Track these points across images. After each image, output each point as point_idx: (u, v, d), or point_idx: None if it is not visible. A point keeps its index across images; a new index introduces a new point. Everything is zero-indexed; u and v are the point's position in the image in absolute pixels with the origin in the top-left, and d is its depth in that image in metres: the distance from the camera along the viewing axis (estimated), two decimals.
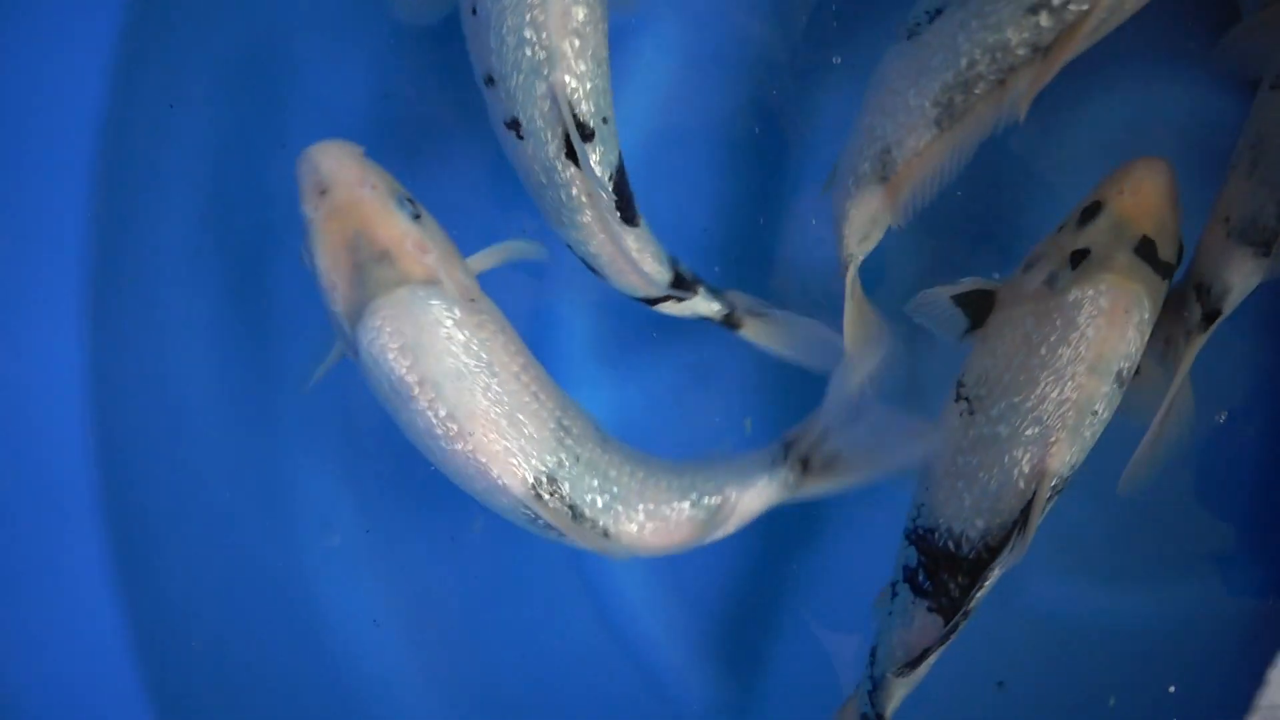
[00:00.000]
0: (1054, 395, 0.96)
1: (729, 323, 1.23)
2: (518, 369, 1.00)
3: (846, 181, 1.12)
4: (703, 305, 1.21)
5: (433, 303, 0.96)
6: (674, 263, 1.18)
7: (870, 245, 1.12)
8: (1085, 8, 0.95)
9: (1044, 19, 0.97)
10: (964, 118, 1.03)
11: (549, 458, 0.99)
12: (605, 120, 1.06)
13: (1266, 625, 1.20)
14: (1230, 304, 1.07)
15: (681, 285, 1.18)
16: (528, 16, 0.99)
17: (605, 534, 1.02)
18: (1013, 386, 0.98)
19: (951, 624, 1.00)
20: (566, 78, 1.00)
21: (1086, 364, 0.96)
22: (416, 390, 0.96)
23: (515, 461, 0.98)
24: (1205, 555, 1.25)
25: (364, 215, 0.96)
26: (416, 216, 1.00)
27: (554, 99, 1.00)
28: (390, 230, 0.97)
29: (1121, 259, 0.98)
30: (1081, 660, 1.25)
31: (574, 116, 1.01)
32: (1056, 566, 1.25)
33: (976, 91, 1.02)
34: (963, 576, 0.99)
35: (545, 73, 1.00)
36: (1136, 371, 1.00)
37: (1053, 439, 0.95)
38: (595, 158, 1.05)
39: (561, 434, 1.01)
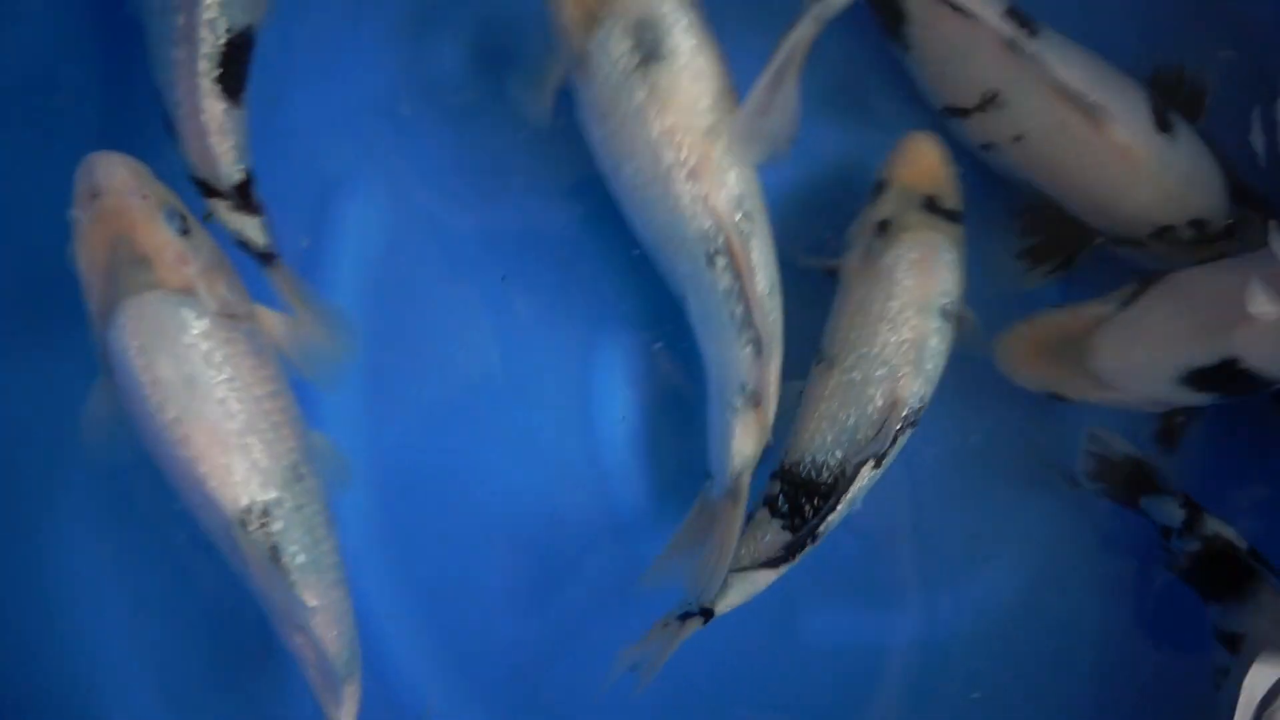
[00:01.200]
0: (894, 340, 1.12)
1: (265, 261, 1.11)
2: (262, 394, 1.01)
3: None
4: (253, 231, 1.09)
5: (181, 310, 0.97)
6: (250, 173, 1.08)
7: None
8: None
9: None
10: None
11: (271, 492, 1.01)
12: None
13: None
14: None
15: (247, 199, 1.08)
16: None
17: (290, 587, 1.02)
18: (860, 340, 1.13)
19: (798, 538, 1.12)
20: None
21: (914, 307, 1.12)
22: (149, 390, 0.97)
23: (233, 481, 0.99)
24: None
25: (129, 221, 0.98)
26: (185, 231, 1.00)
27: None
28: (153, 238, 0.98)
29: (914, 217, 1.14)
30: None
31: None
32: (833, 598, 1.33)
33: None
34: (819, 500, 1.12)
35: None
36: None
37: (900, 374, 1.11)
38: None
39: (292, 477, 1.02)
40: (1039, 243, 1.20)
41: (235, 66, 1.05)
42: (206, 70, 1.03)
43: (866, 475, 1.10)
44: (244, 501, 0.99)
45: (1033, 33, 1.13)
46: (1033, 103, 1.12)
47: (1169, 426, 1.22)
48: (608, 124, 1.05)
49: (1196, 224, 1.14)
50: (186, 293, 0.98)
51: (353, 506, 1.26)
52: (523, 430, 1.32)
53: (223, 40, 1.04)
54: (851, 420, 1.12)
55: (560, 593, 1.31)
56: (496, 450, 1.31)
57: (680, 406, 1.29)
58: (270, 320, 1.07)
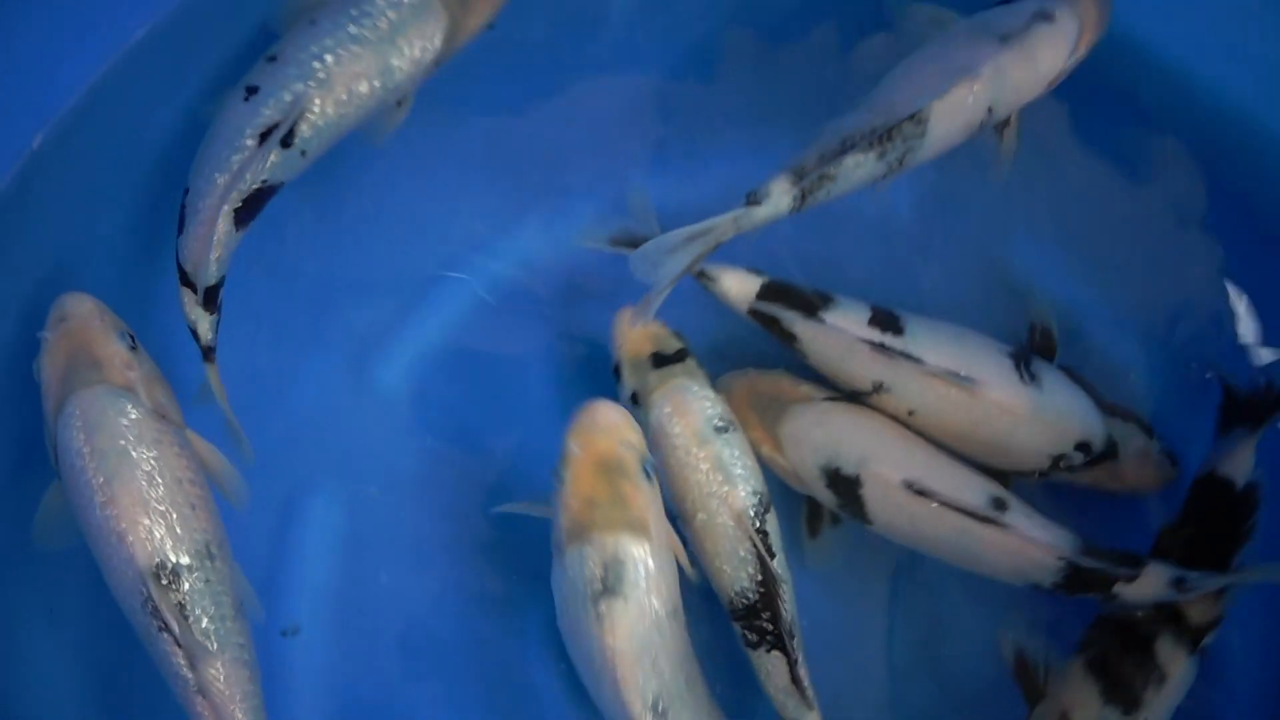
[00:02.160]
0: (701, 478, 1.23)
1: (206, 356, 1.25)
2: (184, 478, 1.14)
3: None
4: (205, 326, 1.24)
5: (121, 399, 1.13)
6: (223, 280, 1.24)
7: None
8: None
9: None
10: None
11: (185, 557, 1.11)
12: None
13: None
14: None
15: (211, 300, 1.23)
16: None
17: (194, 643, 1.11)
18: (684, 494, 1.24)
19: (789, 648, 1.22)
20: None
21: (695, 444, 1.23)
22: (86, 458, 1.11)
23: (152, 538, 1.10)
24: None
25: (87, 336, 1.16)
26: (133, 348, 1.18)
27: None
28: (105, 348, 1.15)
29: (652, 378, 1.27)
30: None
31: None
32: None
33: None
34: (763, 613, 1.22)
35: None
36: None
37: (725, 493, 1.22)
38: None
39: (205, 553, 1.13)
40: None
41: (255, 206, 1.22)
42: (234, 200, 1.20)
43: (778, 568, 1.22)
44: (158, 559, 1.10)
45: (898, 331, 1.29)
46: (913, 386, 1.28)
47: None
48: (565, 619, 1.18)
49: (1082, 446, 1.30)
50: (129, 390, 1.14)
51: None
52: None
53: (256, 186, 1.20)
54: (729, 547, 1.22)
55: None
56: None
57: None
58: (198, 442, 1.21)
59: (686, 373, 1.28)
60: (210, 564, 1.13)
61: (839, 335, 1.29)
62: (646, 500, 1.15)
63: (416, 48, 1.23)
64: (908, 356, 1.27)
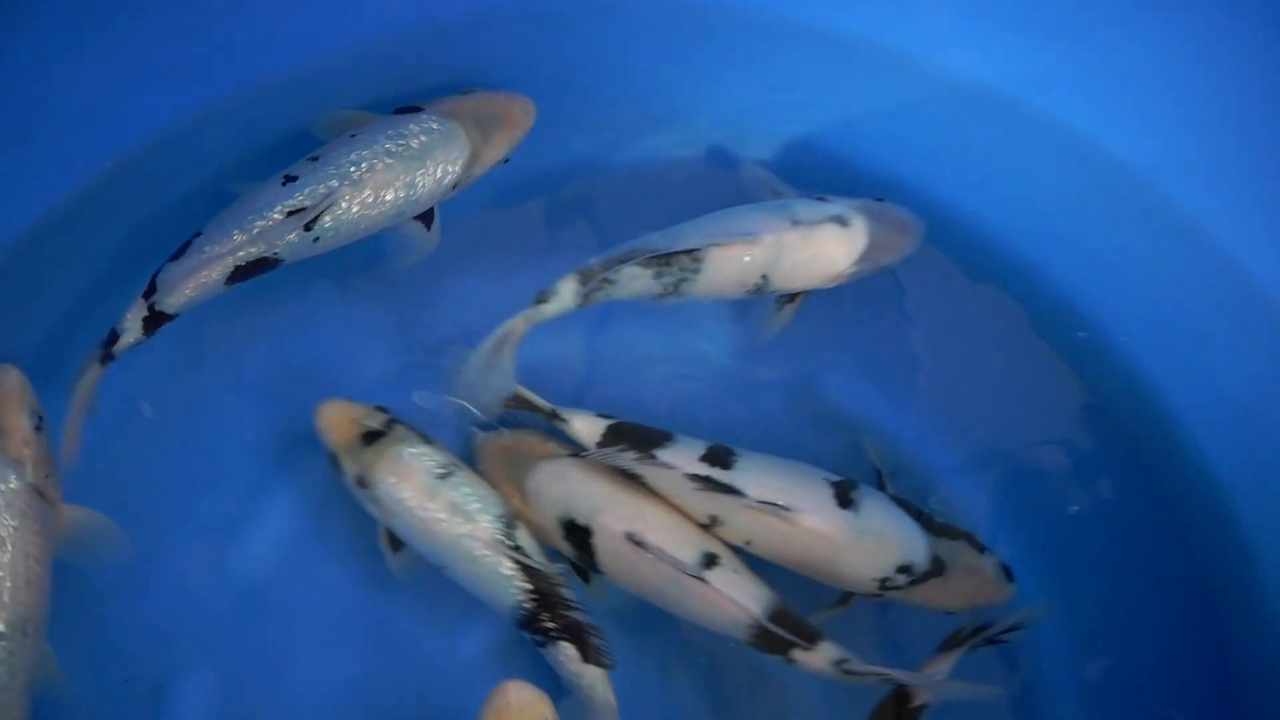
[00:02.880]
0: (445, 522, 1.37)
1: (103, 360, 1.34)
2: (29, 556, 1.22)
3: None
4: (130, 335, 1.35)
5: (6, 469, 1.23)
6: (174, 316, 1.36)
7: None
8: None
9: None
10: None
11: (0, 625, 1.19)
12: None
13: None
14: None
15: (155, 323, 1.35)
16: None
17: None
18: (438, 546, 1.37)
19: (579, 629, 1.34)
20: None
21: (425, 495, 1.36)
22: None
23: None
24: None
25: (2, 406, 1.27)
26: (37, 428, 1.28)
27: None
28: (13, 420, 1.26)
29: (366, 457, 1.39)
30: None
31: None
32: None
33: None
34: (543, 614, 1.35)
35: None
36: None
37: (472, 528, 1.36)
38: None
39: (20, 627, 1.20)
40: None
41: (251, 271, 1.35)
42: (241, 257, 1.33)
43: (542, 568, 1.34)
44: None
45: (726, 466, 1.37)
46: (741, 518, 1.36)
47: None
48: None
49: (905, 569, 1.36)
50: (19, 463, 1.24)
51: None
52: None
53: (265, 255, 1.34)
54: (494, 573, 1.36)
55: None
56: None
57: None
58: (77, 510, 1.30)
59: (398, 440, 1.38)
60: (23, 639, 1.21)
61: (671, 471, 1.38)
62: None
63: (440, 169, 1.40)
64: (729, 489, 1.35)
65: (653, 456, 1.39)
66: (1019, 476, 1.58)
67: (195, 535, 1.51)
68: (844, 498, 1.37)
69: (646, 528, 1.35)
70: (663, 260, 1.37)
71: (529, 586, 1.35)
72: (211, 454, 1.53)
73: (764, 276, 1.41)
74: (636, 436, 1.41)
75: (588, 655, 1.33)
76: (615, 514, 1.36)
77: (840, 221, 1.43)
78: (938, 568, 1.38)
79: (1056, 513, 1.55)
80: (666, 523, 1.37)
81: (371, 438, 1.39)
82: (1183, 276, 1.49)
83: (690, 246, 1.37)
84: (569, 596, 1.35)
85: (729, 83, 1.59)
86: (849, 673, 1.31)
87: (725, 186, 1.57)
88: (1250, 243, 1.42)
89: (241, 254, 1.33)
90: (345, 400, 1.42)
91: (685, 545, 1.35)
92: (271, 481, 1.53)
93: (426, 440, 1.41)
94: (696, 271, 1.38)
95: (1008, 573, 1.42)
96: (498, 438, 1.46)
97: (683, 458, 1.39)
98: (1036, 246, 1.57)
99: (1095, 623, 1.51)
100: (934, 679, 1.32)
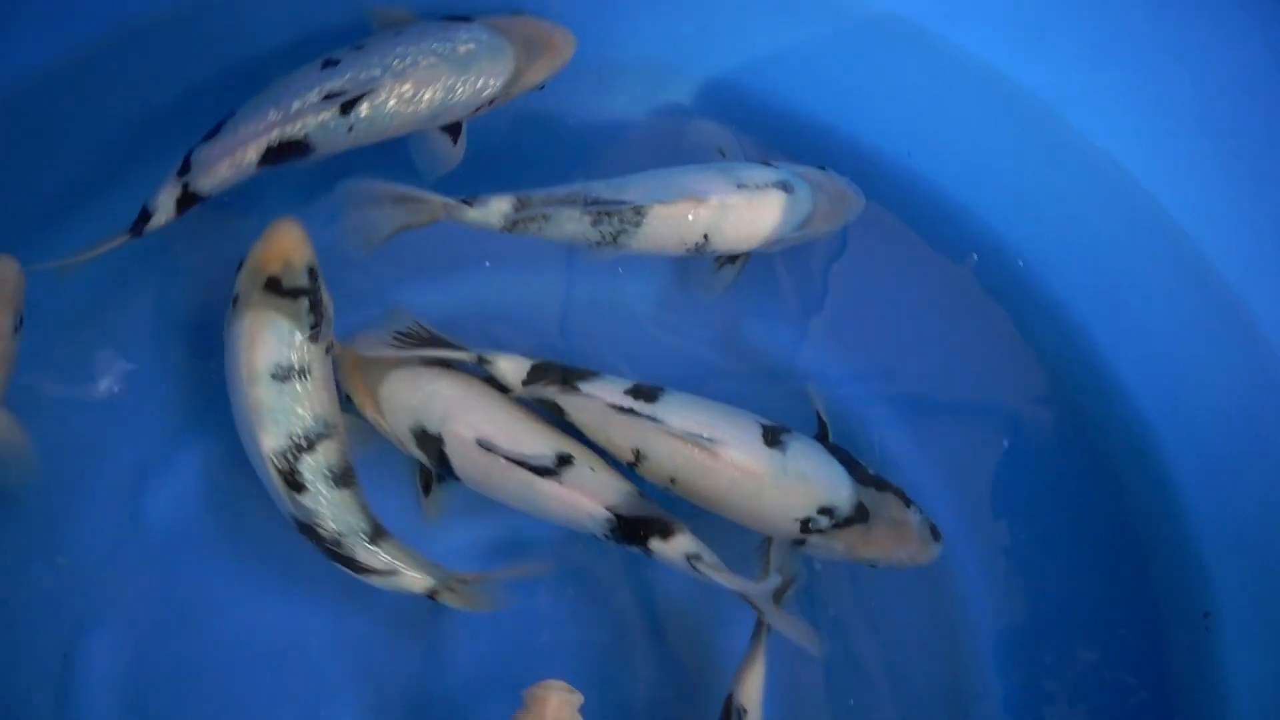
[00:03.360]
0: (245, 413, 1.32)
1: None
2: None
3: None
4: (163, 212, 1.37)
5: None
6: (203, 197, 1.38)
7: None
8: None
9: None
10: None
11: None
12: None
13: None
14: None
15: (188, 203, 1.36)
16: None
17: None
18: (239, 421, 1.34)
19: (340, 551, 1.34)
20: None
21: (249, 377, 1.30)
22: None
23: None
24: None
25: None
26: (16, 329, 1.28)
27: None
28: None
29: (255, 296, 1.32)
30: None
31: None
32: None
33: None
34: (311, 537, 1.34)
35: None
36: None
37: (260, 436, 1.30)
38: None
39: None
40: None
41: (284, 154, 1.35)
42: (274, 137, 1.34)
43: (307, 500, 1.31)
44: None
45: (651, 400, 1.36)
46: (665, 451, 1.35)
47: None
48: None
49: (826, 510, 1.35)
50: None
51: None
52: None
53: (298, 137, 1.34)
54: (270, 481, 1.33)
55: None
56: None
57: None
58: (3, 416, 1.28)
59: (287, 311, 1.32)
60: None
61: (594, 404, 1.36)
62: None
63: (481, 80, 1.39)
64: (655, 420, 1.34)
65: (576, 389, 1.37)
66: (949, 420, 1.58)
67: (105, 489, 1.46)
68: (772, 438, 1.37)
69: (497, 432, 1.34)
70: (605, 211, 1.38)
71: (293, 511, 1.32)
72: (121, 406, 1.48)
73: (705, 236, 1.42)
74: (561, 373, 1.39)
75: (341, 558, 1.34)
76: (465, 420, 1.35)
77: (785, 188, 1.44)
78: (861, 514, 1.37)
79: (983, 450, 1.57)
80: (517, 425, 1.36)
81: (273, 286, 1.33)
82: (1101, 210, 1.51)
83: (635, 201, 1.38)
84: (330, 526, 1.32)
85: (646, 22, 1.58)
86: (698, 569, 1.31)
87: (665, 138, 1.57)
88: (1164, 176, 1.45)
89: (275, 134, 1.32)
90: (299, 234, 1.35)
91: (537, 446, 1.34)
92: (183, 433, 1.48)
93: (319, 338, 1.34)
94: (637, 225, 1.39)
95: (934, 532, 1.41)
96: (353, 345, 1.41)
97: (607, 390, 1.38)
98: (961, 185, 1.58)
99: (1019, 563, 1.53)
100: (763, 588, 1.30)
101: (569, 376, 1.39)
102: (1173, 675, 1.46)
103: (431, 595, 1.35)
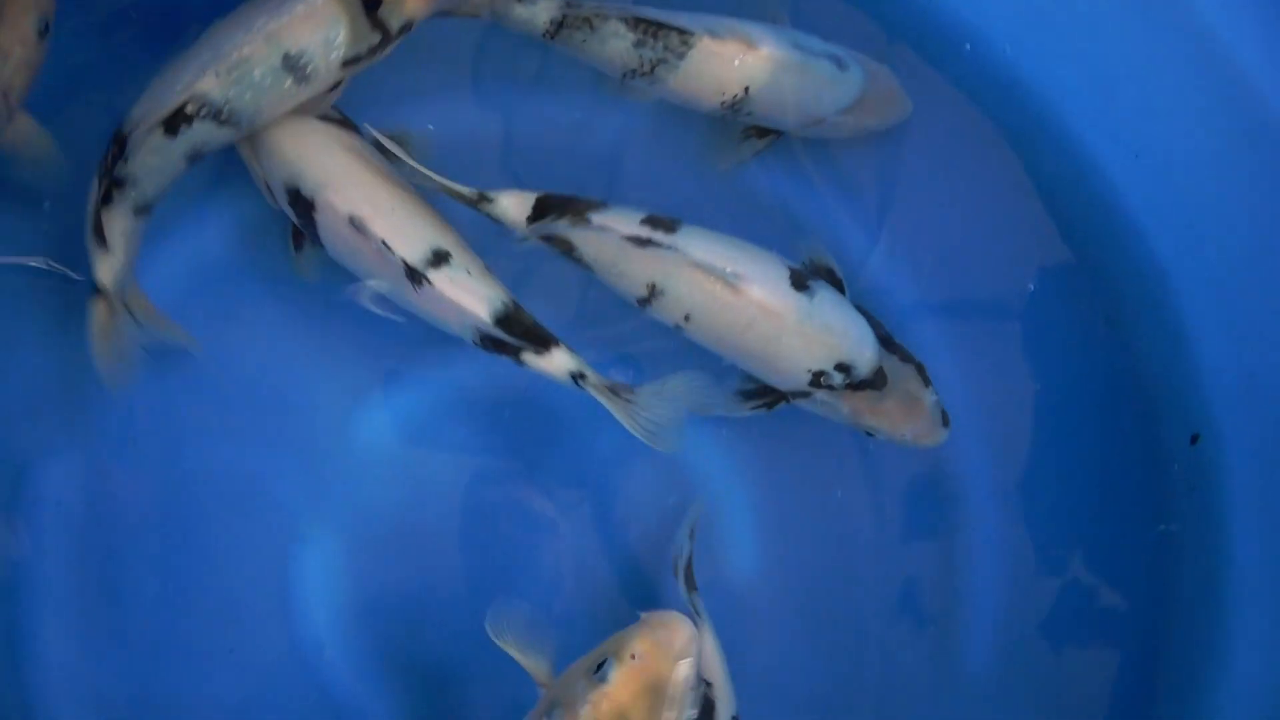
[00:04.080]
0: None
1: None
2: None
3: None
4: None
5: None
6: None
7: None
8: None
9: None
10: None
11: None
12: None
13: None
14: None
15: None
16: None
17: None
18: None
19: None
20: None
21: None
22: None
23: None
24: None
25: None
26: (41, 34, 1.20)
27: None
28: (18, 16, 1.19)
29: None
30: None
31: None
32: None
33: None
34: None
35: None
36: None
37: None
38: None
39: None
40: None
41: None
42: None
43: None
44: None
45: (670, 230, 1.27)
46: (684, 286, 1.26)
47: None
48: None
49: (842, 367, 1.28)
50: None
51: None
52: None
53: None
54: None
55: None
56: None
57: None
58: (22, 120, 1.23)
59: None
60: None
61: (609, 236, 1.26)
62: None
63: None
64: (676, 249, 1.25)
65: (587, 221, 1.27)
66: (960, 270, 1.49)
67: (57, 307, 1.36)
68: (799, 282, 1.28)
69: (374, 214, 1.23)
70: (651, 29, 1.29)
71: None
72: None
73: (746, 90, 1.32)
74: (568, 205, 1.29)
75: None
76: (343, 193, 1.23)
77: (839, 63, 1.36)
78: (879, 379, 1.30)
79: (993, 305, 1.49)
80: (399, 210, 1.24)
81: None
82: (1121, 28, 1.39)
83: (686, 26, 1.30)
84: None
85: None
86: (583, 387, 1.25)
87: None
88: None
89: None
90: None
91: (413, 239, 1.23)
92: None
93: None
94: (680, 58, 1.30)
95: (945, 417, 1.35)
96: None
97: (621, 221, 1.27)
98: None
99: (1022, 422, 1.47)
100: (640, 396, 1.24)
101: (579, 207, 1.28)
102: (1175, 536, 1.43)
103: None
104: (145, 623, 1.34)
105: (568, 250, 1.29)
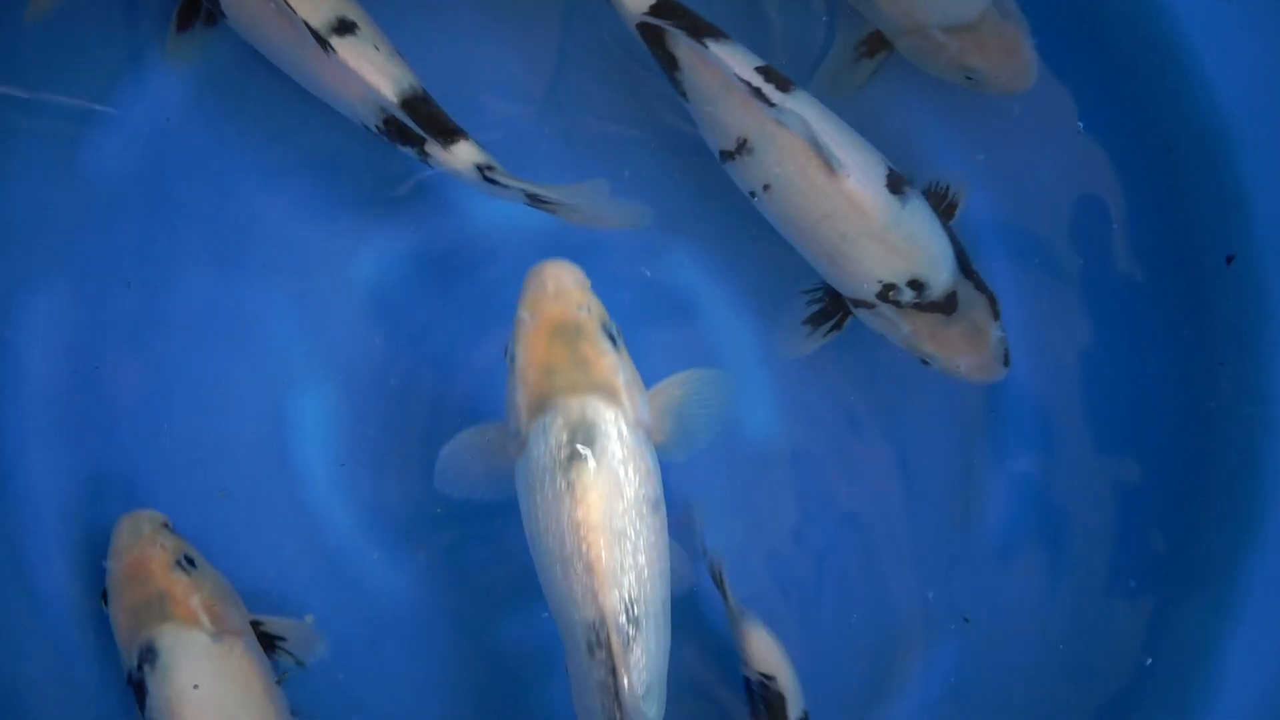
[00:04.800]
0: None
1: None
2: None
3: None
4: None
5: None
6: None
7: None
8: None
9: None
10: None
11: None
12: None
13: None
14: None
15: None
16: None
17: None
18: None
19: None
20: None
21: None
22: None
23: None
24: None
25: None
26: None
27: None
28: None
29: None
30: None
31: None
32: None
33: None
34: None
35: None
36: None
37: None
38: None
39: None
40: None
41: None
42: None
43: None
44: None
45: (783, 89, 1.19)
46: (776, 150, 1.18)
47: None
48: (529, 514, 1.08)
49: (915, 284, 1.19)
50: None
51: None
52: None
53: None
54: None
55: None
56: None
57: None
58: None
59: None
60: None
61: (718, 70, 1.18)
62: (614, 365, 1.05)
63: None
64: (781, 111, 1.17)
65: (704, 44, 1.19)
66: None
67: (42, 133, 1.32)
68: (895, 184, 1.20)
69: None
70: None
71: None
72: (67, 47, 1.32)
73: None
74: (692, 19, 1.21)
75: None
76: None
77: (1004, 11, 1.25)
78: (948, 304, 1.20)
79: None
80: None
81: None
82: None
83: None
84: None
85: None
86: (491, 181, 1.18)
87: None
88: None
89: None
90: None
91: (319, 4, 1.16)
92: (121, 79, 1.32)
93: None
94: None
95: (1007, 356, 1.24)
96: None
97: (738, 59, 1.19)
98: None
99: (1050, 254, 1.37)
100: (574, 201, 1.17)
101: (701, 26, 1.20)
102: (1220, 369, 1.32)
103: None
104: (131, 459, 1.31)
105: (670, 66, 1.22)
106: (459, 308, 1.34)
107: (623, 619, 1.04)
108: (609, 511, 1.03)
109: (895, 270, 1.19)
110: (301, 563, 1.32)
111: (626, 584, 1.04)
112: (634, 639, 1.05)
